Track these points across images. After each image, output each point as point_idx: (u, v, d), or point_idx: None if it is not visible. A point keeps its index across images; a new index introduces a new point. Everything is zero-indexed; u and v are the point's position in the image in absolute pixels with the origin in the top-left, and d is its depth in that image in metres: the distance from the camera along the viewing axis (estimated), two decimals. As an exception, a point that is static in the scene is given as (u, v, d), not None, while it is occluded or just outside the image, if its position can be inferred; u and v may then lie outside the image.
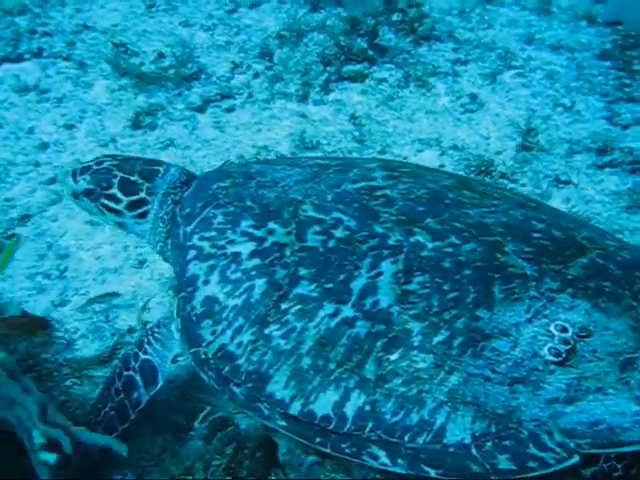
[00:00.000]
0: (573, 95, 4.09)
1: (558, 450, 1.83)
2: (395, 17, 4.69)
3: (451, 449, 1.87)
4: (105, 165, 2.67)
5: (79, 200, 2.72)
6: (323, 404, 2.00)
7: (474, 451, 1.84)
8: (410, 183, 2.34)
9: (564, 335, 1.93)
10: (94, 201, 2.67)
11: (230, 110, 4.22)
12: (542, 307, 1.96)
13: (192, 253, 2.38)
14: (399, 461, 1.90)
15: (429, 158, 3.77)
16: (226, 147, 3.96)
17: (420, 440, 1.89)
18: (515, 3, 5.01)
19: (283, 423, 2.05)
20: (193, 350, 2.26)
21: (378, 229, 2.18)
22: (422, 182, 2.35)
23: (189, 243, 2.41)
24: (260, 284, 2.19)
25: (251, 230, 2.31)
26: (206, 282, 2.29)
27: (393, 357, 1.96)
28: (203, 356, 2.23)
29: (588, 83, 4.19)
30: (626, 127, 3.80)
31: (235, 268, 2.25)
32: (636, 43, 4.46)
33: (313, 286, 2.11)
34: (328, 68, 4.36)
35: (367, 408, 1.95)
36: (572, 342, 1.91)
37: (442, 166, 3.71)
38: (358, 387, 1.98)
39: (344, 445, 1.97)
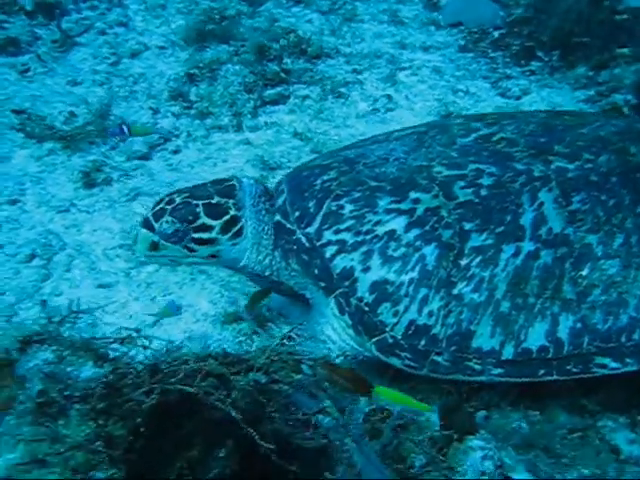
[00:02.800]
0: (462, 82, 4.84)
1: None
2: (282, 42, 5.06)
3: None
4: (179, 200, 2.49)
5: (160, 251, 2.47)
6: (535, 337, 2.15)
7: None
8: (514, 124, 2.50)
9: None
10: (180, 241, 2.46)
11: (177, 152, 4.19)
12: None
13: (332, 249, 2.37)
14: (627, 360, 2.14)
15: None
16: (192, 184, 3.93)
17: (636, 336, 2.14)
18: (372, 19, 5.70)
19: (499, 371, 2.16)
20: (377, 338, 2.25)
21: (520, 166, 2.32)
22: (522, 121, 2.53)
23: (321, 242, 2.38)
24: (430, 250, 2.25)
25: (394, 206, 2.33)
26: (366, 269, 2.30)
27: (585, 272, 2.17)
28: (391, 340, 2.24)
29: (467, 71, 4.99)
30: (518, 98, 4.63)
31: (396, 245, 2.27)
32: (481, 37, 5.40)
33: (485, 235, 2.23)
34: (252, 95, 4.55)
35: (578, 325, 2.15)
36: None
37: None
38: (563, 310, 2.15)
39: (569, 367, 2.14)
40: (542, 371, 2.18)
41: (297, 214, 2.50)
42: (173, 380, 1.34)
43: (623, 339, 2.16)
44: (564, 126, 2.51)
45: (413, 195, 2.34)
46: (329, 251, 2.37)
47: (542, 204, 2.26)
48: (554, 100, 4.62)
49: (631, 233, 2.22)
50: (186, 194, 2.53)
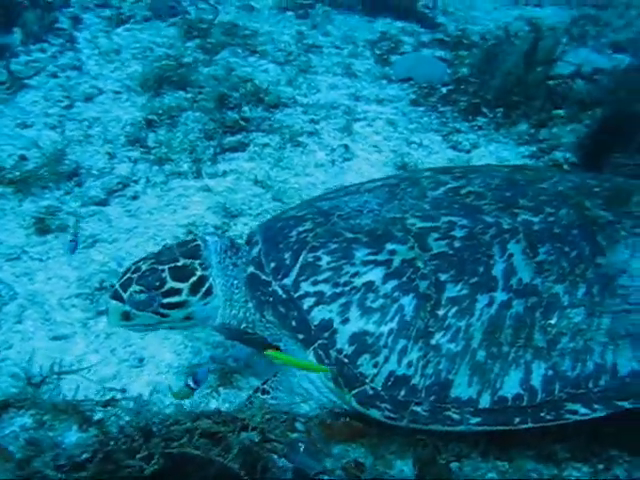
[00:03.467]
0: (416, 134, 5.02)
1: None
2: (241, 90, 5.12)
3: (627, 379, 2.22)
4: (145, 268, 2.49)
5: (133, 320, 2.47)
6: (510, 385, 2.20)
7: None
8: (479, 178, 2.60)
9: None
10: (151, 306, 2.45)
11: (135, 197, 4.11)
12: (633, 242, 2.40)
13: (310, 301, 2.38)
14: (595, 407, 2.19)
15: (344, 202, 4.24)
16: (152, 232, 3.86)
17: (602, 382, 2.22)
18: (327, 71, 5.87)
19: (476, 420, 2.19)
20: (357, 390, 2.25)
21: (489, 219, 2.41)
22: (487, 175, 2.63)
23: (299, 293, 2.39)
24: (408, 301, 2.28)
25: (371, 257, 2.36)
26: (345, 321, 2.31)
27: (553, 321, 2.25)
28: (371, 392, 2.23)
29: (419, 124, 5.18)
30: (469, 151, 4.84)
31: (374, 296, 2.30)
32: (430, 92, 5.65)
33: (460, 285, 2.28)
34: (211, 142, 4.55)
35: (550, 373, 2.22)
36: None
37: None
38: (535, 357, 2.22)
39: (542, 414, 2.18)
40: (517, 419, 2.23)
41: (273, 265, 2.50)
42: (175, 444, 1.28)
43: (590, 385, 2.25)
44: (526, 181, 2.64)
45: (389, 247, 2.39)
46: (307, 303, 2.38)
47: (512, 255, 2.35)
48: (501, 154, 4.85)
49: (592, 283, 2.34)
50: (152, 260, 2.53)
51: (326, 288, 2.37)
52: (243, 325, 2.62)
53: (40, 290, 3.38)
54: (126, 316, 2.49)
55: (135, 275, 2.48)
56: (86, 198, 3.99)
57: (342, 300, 2.33)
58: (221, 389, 2.95)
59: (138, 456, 1.30)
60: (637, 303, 2.35)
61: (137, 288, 2.44)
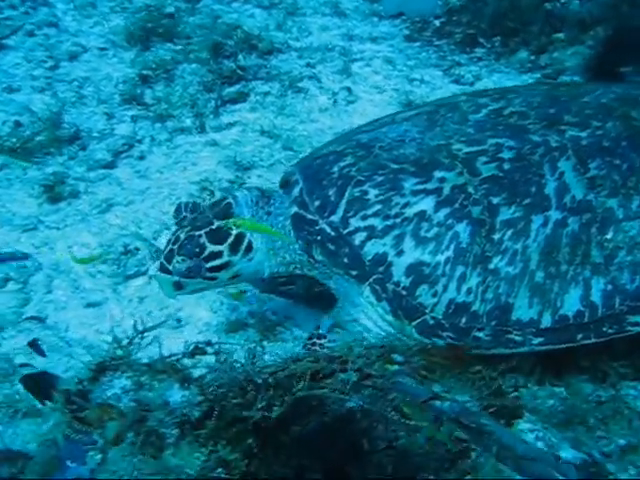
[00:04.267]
0: (416, 71, 4.92)
1: None
2: (235, 38, 4.93)
3: None
4: (183, 237, 2.47)
5: (184, 287, 2.49)
6: (571, 303, 2.22)
7: None
8: (519, 97, 2.55)
9: None
10: (198, 274, 2.46)
11: (142, 158, 3.99)
12: None
13: (361, 236, 2.35)
14: None
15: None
16: (166, 192, 3.76)
17: None
18: (315, 12, 5.67)
19: (539, 339, 2.22)
20: (418, 321, 2.26)
21: (536, 138, 2.37)
22: (526, 94, 2.58)
23: (348, 229, 2.36)
24: (463, 228, 2.27)
25: (420, 186, 2.34)
26: (400, 253, 2.30)
27: (609, 236, 2.25)
28: (432, 321, 2.25)
29: (418, 60, 5.07)
30: (472, 84, 4.76)
31: (427, 226, 2.28)
32: (423, 26, 5.51)
33: (513, 208, 2.27)
34: (212, 94, 4.41)
35: (609, 287, 2.24)
36: None
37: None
38: (594, 273, 2.23)
39: (605, 329, 2.21)
40: (580, 335, 2.25)
41: (317, 203, 2.46)
42: (300, 386, 1.27)
43: None
44: (568, 96, 2.59)
45: (438, 174, 2.35)
46: (358, 238, 2.35)
47: (563, 173, 2.33)
48: (505, 84, 4.77)
49: None
50: (188, 227, 2.52)
51: (377, 221, 2.35)
52: (291, 268, 2.60)
53: (63, 259, 3.29)
54: (178, 286, 2.50)
55: (176, 246, 2.47)
56: (92, 162, 3.86)
57: (395, 232, 2.32)
58: (265, 343, 2.93)
59: (256, 407, 1.29)
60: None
61: (179, 258, 2.44)
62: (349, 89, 4.64)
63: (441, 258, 2.27)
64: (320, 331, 2.55)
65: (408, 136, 2.50)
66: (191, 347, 1.57)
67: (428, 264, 2.28)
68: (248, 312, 3.11)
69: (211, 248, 2.44)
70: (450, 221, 2.28)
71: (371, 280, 2.33)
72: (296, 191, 2.55)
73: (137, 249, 3.24)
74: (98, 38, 5.06)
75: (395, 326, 2.37)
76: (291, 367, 1.43)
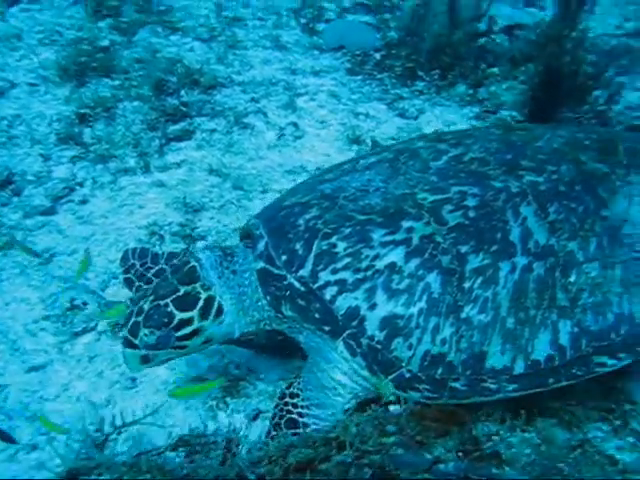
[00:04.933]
0: (360, 105, 4.94)
1: None
2: (176, 74, 4.81)
3: None
4: (147, 307, 2.35)
5: (152, 360, 2.37)
6: (541, 348, 2.23)
7: None
8: (476, 143, 2.57)
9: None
10: (168, 344, 2.35)
11: (84, 202, 3.78)
12: (629, 190, 2.43)
13: (332, 290, 2.30)
14: (620, 355, 2.26)
15: (306, 183, 4.12)
16: (112, 238, 3.58)
17: (622, 332, 2.28)
18: (255, 45, 5.62)
19: (513, 386, 2.21)
20: (394, 375, 2.22)
21: (498, 184, 2.39)
22: (483, 139, 2.60)
23: (318, 284, 2.31)
24: (434, 278, 2.24)
25: (389, 237, 2.31)
26: (372, 306, 2.26)
27: (572, 278, 2.28)
28: (408, 374, 2.22)
29: (361, 94, 5.10)
30: (416, 118, 4.83)
31: (399, 277, 2.25)
32: (364, 60, 5.57)
33: (481, 255, 2.27)
34: (156, 133, 4.26)
35: (575, 330, 2.26)
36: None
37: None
38: (561, 317, 2.25)
39: (574, 370, 2.23)
40: (551, 380, 2.26)
41: (285, 258, 2.39)
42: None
43: (613, 336, 2.31)
44: (521, 141, 2.64)
45: (405, 224, 2.33)
46: (329, 292, 2.30)
47: (525, 219, 2.35)
48: (448, 118, 4.88)
49: (601, 235, 2.39)
50: (151, 297, 2.40)
51: (347, 275, 2.30)
52: (262, 325, 2.54)
53: (0, 317, 3.04)
54: (145, 359, 2.37)
55: (140, 317, 2.35)
56: (29, 208, 3.62)
57: (366, 285, 2.27)
58: (228, 399, 2.81)
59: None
60: (643, 250, 2.38)
61: (147, 331, 2.33)
62: (295, 124, 4.59)
63: (414, 310, 2.25)
64: (291, 389, 2.45)
65: (372, 185, 2.48)
66: (175, 439, 1.44)
67: (402, 316, 2.25)
68: (208, 367, 2.97)
69: (180, 316, 2.34)
70: (421, 272, 2.26)
71: (344, 335, 2.28)
72: (261, 245, 2.47)
73: (84, 303, 3.04)
74: (28, 73, 4.80)
75: (370, 381, 2.31)
76: (288, 458, 1.32)
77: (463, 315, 2.24)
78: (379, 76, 5.35)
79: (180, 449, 1.47)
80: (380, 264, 2.29)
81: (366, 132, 4.59)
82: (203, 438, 1.49)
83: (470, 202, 2.37)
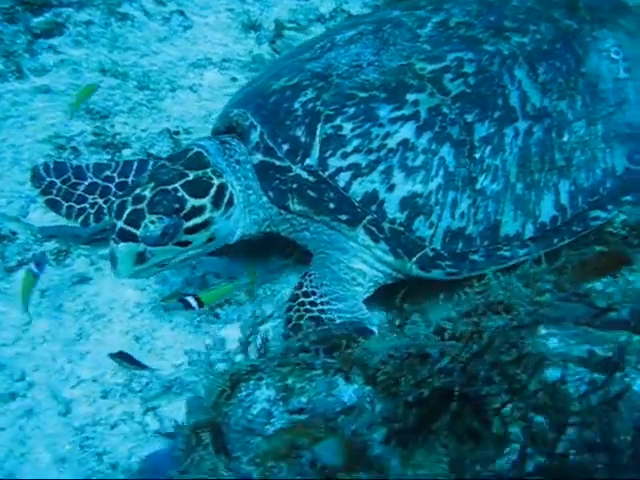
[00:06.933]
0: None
1: None
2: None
3: (624, 177, 2.40)
4: (150, 194, 2.02)
5: (147, 260, 2.01)
6: (547, 210, 2.29)
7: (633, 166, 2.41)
8: (455, 7, 2.47)
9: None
10: (174, 236, 2.02)
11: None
12: (596, 45, 2.47)
13: (345, 176, 2.16)
14: (609, 207, 2.37)
15: (216, 78, 3.73)
16: (10, 157, 2.97)
17: (608, 185, 2.38)
18: None
19: (524, 251, 2.25)
20: (418, 255, 2.16)
21: (490, 48, 2.33)
22: (459, 1, 2.50)
23: (329, 171, 2.15)
24: (446, 151, 2.18)
25: (397, 113, 2.19)
26: (391, 188, 2.16)
27: (565, 138, 2.33)
28: (432, 253, 2.18)
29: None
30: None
31: (413, 154, 2.17)
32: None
33: (487, 123, 2.23)
34: (16, 27, 3.50)
35: (572, 188, 2.33)
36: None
37: (235, 79, 3.73)
38: (561, 177, 2.31)
39: (574, 227, 2.32)
40: (556, 239, 2.35)
41: (286, 147, 2.18)
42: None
43: (601, 190, 2.44)
44: (498, 1, 2.56)
45: (410, 97, 2.21)
46: (342, 179, 2.15)
47: (520, 81, 2.31)
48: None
49: (584, 93, 2.44)
50: (151, 184, 2.04)
51: (359, 158, 2.16)
52: (264, 227, 2.31)
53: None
54: (141, 258, 2.00)
55: (142, 205, 1.96)
56: None
57: (381, 167, 2.16)
58: (218, 310, 2.57)
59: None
60: (615, 104, 2.49)
61: (153, 218, 1.96)
62: (182, 12, 4.06)
63: (433, 186, 2.18)
64: (304, 289, 2.26)
65: (363, 59, 2.30)
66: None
67: (421, 194, 2.17)
68: (184, 280, 2.67)
69: (192, 202, 2.04)
70: (434, 146, 2.18)
71: (365, 222, 2.15)
72: (255, 136, 2.22)
73: (14, 233, 2.51)
74: None
75: (394, 265, 2.24)
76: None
77: (478, 186, 2.22)
78: None
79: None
80: (392, 142, 2.18)
81: (264, 18, 4.21)
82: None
83: (468, 69, 2.31)
